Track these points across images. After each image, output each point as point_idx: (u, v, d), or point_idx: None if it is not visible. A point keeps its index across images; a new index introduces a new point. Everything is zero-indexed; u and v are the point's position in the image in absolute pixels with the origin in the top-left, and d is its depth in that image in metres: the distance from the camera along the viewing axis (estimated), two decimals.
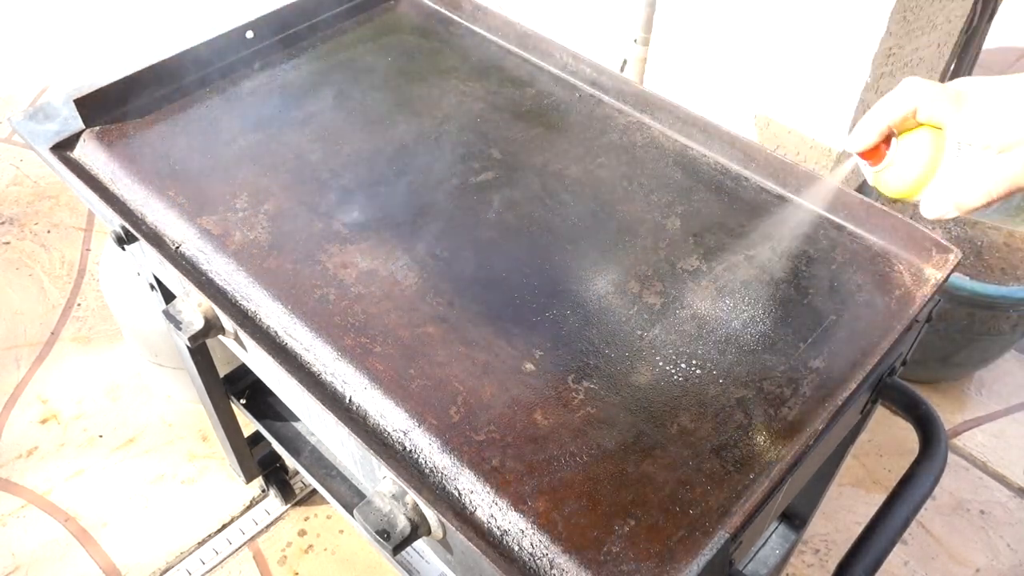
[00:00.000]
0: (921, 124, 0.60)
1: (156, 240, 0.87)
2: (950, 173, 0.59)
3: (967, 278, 1.49)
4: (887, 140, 0.62)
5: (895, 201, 0.64)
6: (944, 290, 0.84)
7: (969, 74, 1.74)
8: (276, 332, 0.79)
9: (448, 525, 0.64)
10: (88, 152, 0.96)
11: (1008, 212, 0.62)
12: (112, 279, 1.51)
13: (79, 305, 1.87)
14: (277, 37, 1.10)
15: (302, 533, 1.50)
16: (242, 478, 1.47)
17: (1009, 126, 0.55)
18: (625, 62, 1.74)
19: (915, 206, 0.63)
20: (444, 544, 0.70)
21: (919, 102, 0.58)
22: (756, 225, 0.88)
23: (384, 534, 0.66)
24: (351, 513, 1.15)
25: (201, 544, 1.48)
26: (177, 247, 0.87)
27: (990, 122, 0.56)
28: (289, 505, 1.53)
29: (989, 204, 0.58)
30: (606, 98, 1.03)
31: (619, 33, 1.79)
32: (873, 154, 0.62)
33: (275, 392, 0.92)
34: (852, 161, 0.66)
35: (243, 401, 1.32)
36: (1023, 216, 0.63)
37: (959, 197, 0.58)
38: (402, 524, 0.67)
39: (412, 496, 0.67)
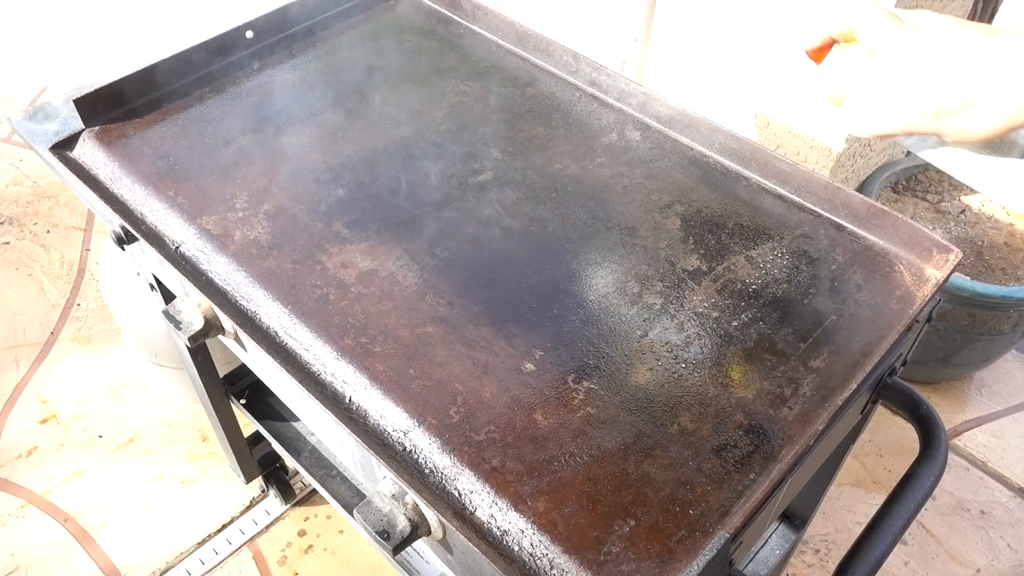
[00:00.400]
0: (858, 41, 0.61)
1: (156, 240, 0.87)
2: (868, 94, 0.60)
3: (967, 278, 1.49)
4: (830, 45, 0.63)
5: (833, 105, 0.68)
6: (944, 290, 0.84)
7: None
8: (276, 332, 0.79)
9: (448, 525, 0.64)
10: (88, 152, 0.96)
11: (917, 141, 0.64)
12: (112, 279, 1.51)
13: (79, 305, 1.87)
14: (277, 37, 1.10)
15: (302, 533, 1.50)
16: (242, 478, 1.47)
17: (926, 67, 0.56)
18: (625, 62, 1.74)
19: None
20: (444, 544, 0.70)
21: (856, 23, 0.59)
22: (756, 225, 0.88)
23: (384, 534, 0.66)
24: (351, 513, 1.15)
25: (201, 544, 1.48)
26: (177, 247, 0.87)
27: (910, 56, 0.56)
28: (289, 505, 1.53)
29: (886, 136, 0.60)
30: (606, 98, 1.03)
31: (619, 33, 1.79)
32: (818, 56, 0.64)
33: (275, 392, 0.92)
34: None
35: (243, 401, 1.32)
36: (929, 152, 0.64)
37: (865, 120, 0.60)
38: (402, 524, 0.67)
39: (412, 496, 0.67)
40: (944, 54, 0.55)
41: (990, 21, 1.62)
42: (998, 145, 0.63)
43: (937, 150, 0.64)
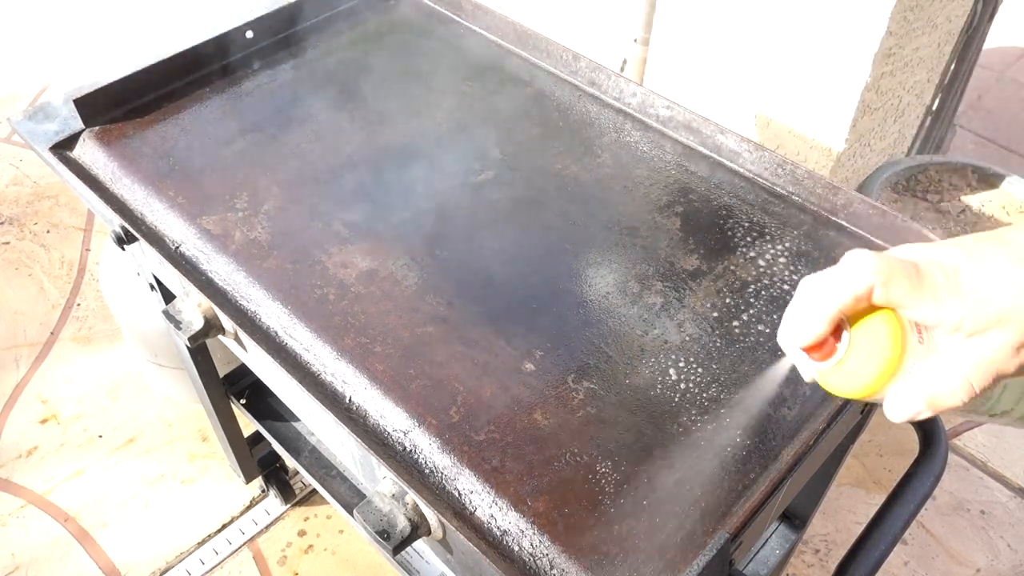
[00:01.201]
0: (875, 308, 0.49)
1: (156, 240, 0.87)
2: (918, 367, 0.49)
3: None
4: (836, 331, 0.51)
5: (857, 400, 0.56)
6: None
7: (969, 75, 1.74)
8: (276, 332, 0.79)
9: (448, 525, 0.64)
10: (88, 152, 0.96)
11: (983, 403, 0.53)
12: (112, 279, 1.51)
13: (79, 305, 1.87)
14: (277, 37, 1.10)
15: (302, 533, 1.50)
16: (242, 478, 1.47)
17: (983, 306, 0.47)
18: (625, 62, 1.74)
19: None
20: (444, 544, 0.70)
21: (876, 280, 0.48)
22: (756, 225, 0.88)
23: (384, 534, 0.66)
24: (351, 513, 1.15)
25: (201, 544, 1.48)
26: (177, 247, 0.87)
27: (958, 303, 0.47)
28: (289, 505, 1.53)
29: (972, 397, 0.48)
30: (606, 98, 1.03)
31: (619, 33, 1.79)
32: (819, 348, 0.51)
33: (275, 392, 0.92)
34: (786, 363, 0.55)
35: (243, 401, 1.32)
36: (992, 404, 0.54)
37: (935, 392, 0.49)
38: (402, 524, 0.67)
39: (412, 496, 0.67)
40: (991, 280, 0.47)
41: (990, 21, 1.62)
42: None
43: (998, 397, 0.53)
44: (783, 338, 0.54)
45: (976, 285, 0.47)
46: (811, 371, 0.53)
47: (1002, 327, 0.47)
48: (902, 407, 0.50)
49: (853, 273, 0.49)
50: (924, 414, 0.50)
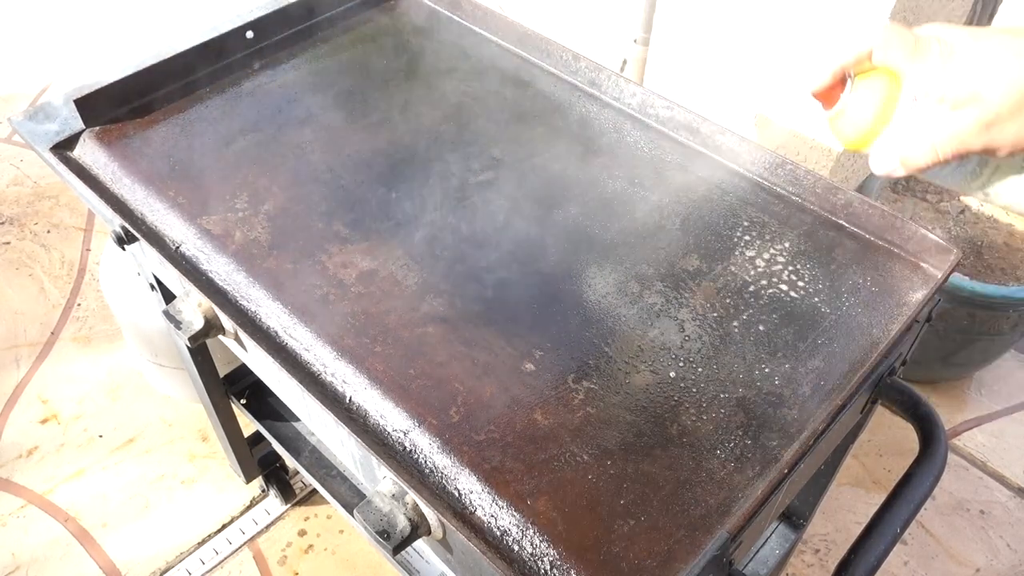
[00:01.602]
0: (877, 68, 0.55)
1: (156, 240, 0.87)
2: (902, 126, 0.55)
3: (967, 278, 1.49)
4: (844, 83, 0.57)
5: (852, 150, 0.62)
6: (944, 290, 0.84)
7: None
8: (276, 332, 0.79)
9: (448, 525, 0.64)
10: (88, 152, 0.96)
11: (964, 176, 0.59)
12: (112, 279, 1.51)
13: (79, 305, 1.87)
14: (277, 37, 1.10)
15: (302, 533, 1.50)
16: (242, 478, 1.47)
17: (965, 80, 0.52)
18: (625, 62, 1.74)
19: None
20: (444, 544, 0.70)
21: (875, 43, 0.54)
22: (756, 225, 0.88)
23: (384, 534, 0.66)
24: (351, 513, 1.15)
25: (201, 544, 1.48)
26: (177, 247, 0.87)
27: (945, 74, 0.52)
28: (289, 505, 1.53)
29: (935, 163, 0.54)
30: (606, 98, 1.03)
31: (619, 33, 1.79)
32: (828, 96, 0.58)
33: (275, 392, 0.92)
34: None
35: (243, 401, 1.32)
36: (979, 182, 0.59)
37: (906, 153, 0.55)
38: (402, 524, 0.67)
39: (412, 496, 0.67)
40: (981, 60, 0.52)
41: (989, 21, 1.62)
42: None
43: (982, 175, 0.59)
44: (805, 86, 0.60)
45: (965, 63, 0.52)
46: (826, 120, 0.59)
47: (976, 104, 0.51)
48: (880, 161, 0.57)
49: (858, 36, 0.55)
50: (898, 171, 0.56)
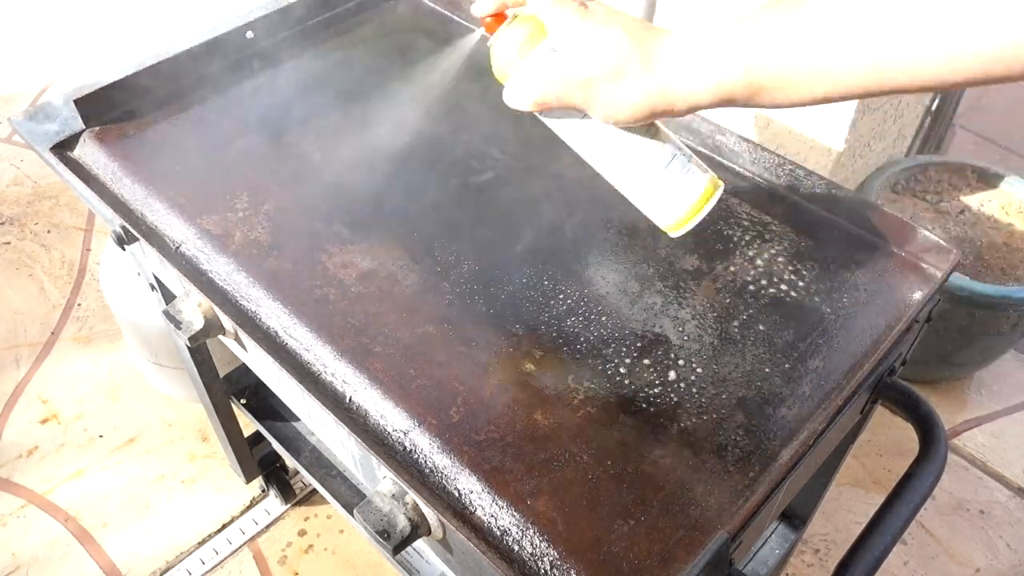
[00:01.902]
0: (530, 12, 0.63)
1: (156, 240, 0.87)
2: (533, 68, 0.62)
3: (967, 278, 1.49)
4: (502, 19, 0.65)
5: (499, 80, 0.69)
6: (944, 290, 0.84)
7: None
8: (276, 332, 0.79)
9: (448, 525, 0.64)
10: (88, 152, 0.96)
11: (573, 128, 0.67)
12: (112, 279, 1.52)
13: (79, 305, 1.87)
14: (277, 37, 1.10)
15: (302, 533, 1.50)
16: (242, 478, 1.47)
17: (580, 39, 0.60)
18: None
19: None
20: (444, 544, 0.70)
21: None
22: (755, 225, 0.88)
23: (384, 534, 0.66)
24: (351, 513, 1.15)
25: (201, 544, 1.48)
26: (177, 247, 0.87)
27: (569, 30, 0.60)
28: (289, 505, 1.53)
29: (545, 106, 0.63)
30: None
31: None
32: (491, 28, 0.66)
33: (275, 392, 0.92)
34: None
35: (243, 401, 1.32)
36: (575, 132, 0.67)
37: (524, 90, 0.63)
38: (402, 524, 0.67)
39: (412, 496, 0.67)
40: (603, 27, 0.60)
41: None
42: (646, 136, 0.66)
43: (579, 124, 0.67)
44: (473, 9, 0.68)
45: (587, 26, 0.60)
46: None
47: (580, 62, 0.60)
48: (508, 93, 0.65)
49: None
50: (522, 107, 0.65)
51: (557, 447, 0.69)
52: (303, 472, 1.24)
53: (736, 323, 0.79)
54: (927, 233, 0.83)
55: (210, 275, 0.84)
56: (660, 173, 0.68)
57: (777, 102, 0.57)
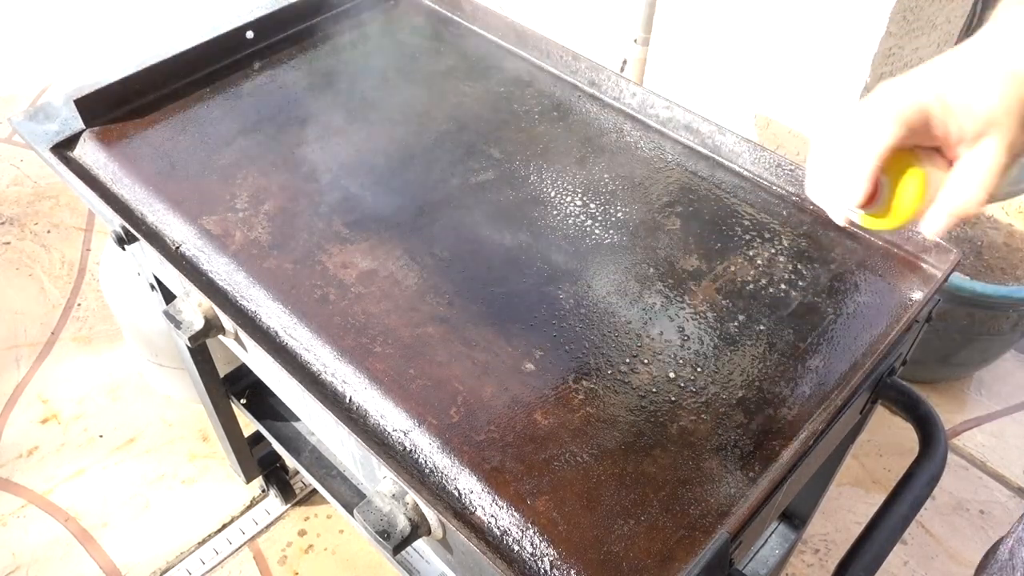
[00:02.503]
0: (900, 160, 0.55)
1: (156, 240, 0.87)
2: (946, 192, 0.55)
3: (967, 278, 1.49)
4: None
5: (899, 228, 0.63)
6: (944, 290, 0.84)
7: None
8: (276, 332, 0.79)
9: (448, 525, 0.64)
10: (88, 152, 0.96)
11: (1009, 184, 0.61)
12: (112, 279, 1.51)
13: (79, 305, 1.87)
14: (277, 37, 1.10)
15: (302, 533, 1.50)
16: (242, 478, 1.47)
17: (971, 120, 0.52)
18: (625, 62, 1.74)
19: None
20: (444, 544, 0.70)
21: (899, 132, 0.53)
22: (756, 225, 0.88)
23: (384, 534, 0.66)
24: (351, 513, 1.15)
25: (201, 544, 1.48)
26: (177, 247, 0.87)
27: (953, 129, 0.53)
28: (289, 505, 1.53)
29: (991, 200, 0.56)
30: (605, 98, 1.03)
31: (619, 33, 1.78)
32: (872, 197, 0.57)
33: (275, 392, 0.92)
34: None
35: (243, 401, 1.32)
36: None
37: (958, 208, 0.55)
38: (402, 524, 0.67)
39: (412, 496, 0.67)
40: (971, 90, 0.52)
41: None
42: None
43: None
44: (815, 192, 0.60)
45: (961, 104, 0.52)
46: (849, 215, 0.60)
47: (992, 133, 0.52)
48: (934, 225, 0.57)
49: (882, 129, 0.54)
50: (953, 224, 0.56)
51: (557, 447, 0.69)
52: (303, 472, 1.24)
53: (736, 323, 0.79)
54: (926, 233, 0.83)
55: (210, 275, 0.84)
56: None
57: None
